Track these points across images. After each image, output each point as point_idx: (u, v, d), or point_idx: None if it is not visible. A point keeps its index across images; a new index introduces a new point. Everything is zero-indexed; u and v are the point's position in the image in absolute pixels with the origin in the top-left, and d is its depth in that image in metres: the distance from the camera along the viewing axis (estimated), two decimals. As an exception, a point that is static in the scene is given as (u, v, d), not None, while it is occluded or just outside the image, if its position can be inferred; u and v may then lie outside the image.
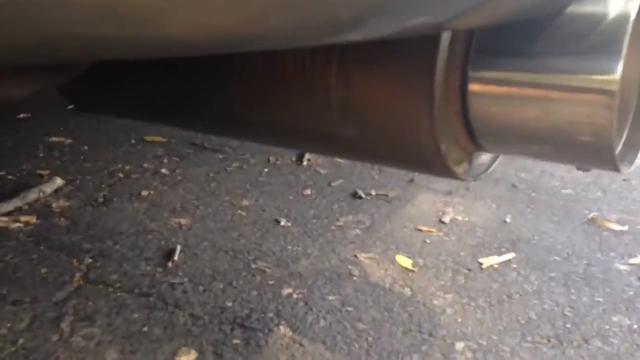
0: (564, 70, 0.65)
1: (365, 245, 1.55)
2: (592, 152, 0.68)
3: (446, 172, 0.80)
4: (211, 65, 0.83)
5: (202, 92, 0.88)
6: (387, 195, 1.85)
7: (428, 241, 1.59)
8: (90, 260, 1.40)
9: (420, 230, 1.64)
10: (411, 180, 1.97)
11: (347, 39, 0.45)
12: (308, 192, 1.86)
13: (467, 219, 1.73)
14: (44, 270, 1.34)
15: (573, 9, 0.66)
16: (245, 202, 1.76)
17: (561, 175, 2.10)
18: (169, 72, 0.89)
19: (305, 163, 2.07)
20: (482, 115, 0.73)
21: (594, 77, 0.64)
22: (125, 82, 0.98)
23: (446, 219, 1.71)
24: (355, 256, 1.49)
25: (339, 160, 2.07)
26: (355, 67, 0.73)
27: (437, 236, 1.62)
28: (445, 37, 0.69)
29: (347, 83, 0.74)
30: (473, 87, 0.71)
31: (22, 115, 2.16)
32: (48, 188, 1.66)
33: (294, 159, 2.09)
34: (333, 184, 1.92)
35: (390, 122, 0.74)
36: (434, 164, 0.78)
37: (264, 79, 0.79)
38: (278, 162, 2.06)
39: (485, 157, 0.90)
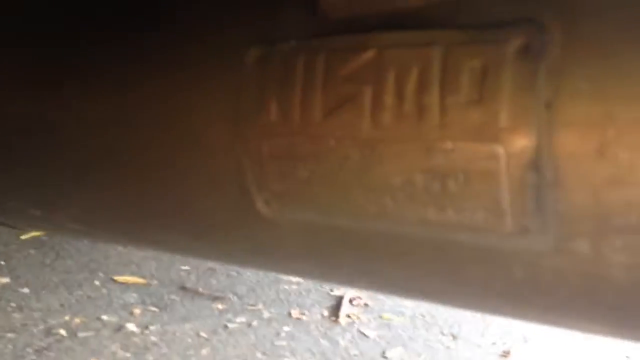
0: None
1: None
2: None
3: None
4: None
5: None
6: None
7: None
8: None
9: None
10: None
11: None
12: (353, 364, 1.20)
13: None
14: None
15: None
16: (253, 382, 1.10)
17: None
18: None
19: (343, 320, 1.42)
20: None
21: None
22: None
23: None
24: None
25: (390, 315, 1.43)
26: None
27: None
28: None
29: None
30: None
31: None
32: None
33: (326, 313, 1.45)
34: (388, 354, 1.26)
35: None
36: None
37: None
38: (304, 317, 1.43)
39: None
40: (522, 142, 0.39)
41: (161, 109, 0.55)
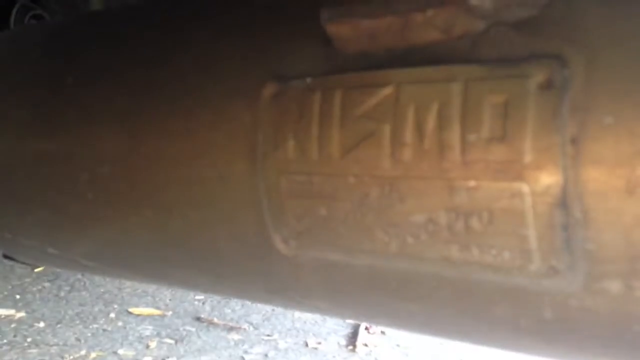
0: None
1: None
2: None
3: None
4: None
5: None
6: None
7: None
8: None
9: None
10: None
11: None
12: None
13: None
14: None
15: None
16: (271, 416, 1.07)
17: None
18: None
19: (360, 349, 1.39)
20: None
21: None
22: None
23: None
24: None
25: (407, 343, 1.40)
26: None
27: None
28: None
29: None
30: None
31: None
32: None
33: (342, 342, 1.42)
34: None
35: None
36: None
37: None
38: (320, 347, 1.39)
39: None
40: (547, 180, 0.38)
41: (181, 147, 0.54)
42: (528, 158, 0.38)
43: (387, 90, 0.44)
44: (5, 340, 1.30)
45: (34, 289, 1.58)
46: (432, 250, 0.44)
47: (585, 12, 0.39)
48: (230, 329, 1.46)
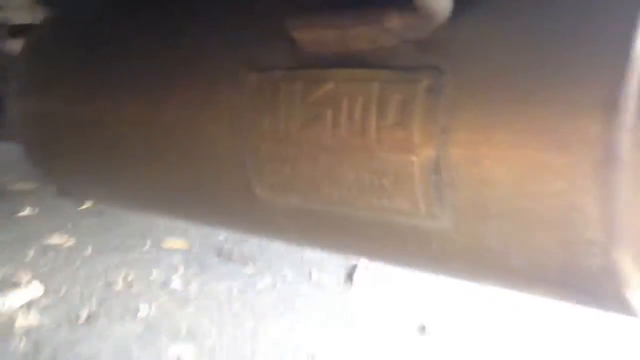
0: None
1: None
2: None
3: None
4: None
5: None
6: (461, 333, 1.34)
7: None
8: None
9: None
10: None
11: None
12: (357, 323, 1.38)
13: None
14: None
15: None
16: (273, 331, 1.30)
17: None
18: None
19: (356, 283, 1.60)
20: None
21: None
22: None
23: None
24: None
25: (398, 281, 1.59)
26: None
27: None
28: None
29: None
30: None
31: (22, 214, 1.84)
32: (18, 298, 1.27)
33: (342, 277, 1.63)
34: (394, 316, 1.43)
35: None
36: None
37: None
38: (323, 280, 1.60)
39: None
40: (428, 154, 0.55)
41: (187, 119, 0.73)
42: (416, 139, 0.55)
43: (330, 85, 0.61)
44: (58, 264, 1.56)
45: (83, 222, 1.82)
46: (360, 199, 0.62)
47: (458, 37, 0.55)
48: (246, 263, 1.69)
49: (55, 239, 1.68)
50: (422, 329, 1.36)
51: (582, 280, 0.53)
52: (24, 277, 1.41)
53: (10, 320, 1.21)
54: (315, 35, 0.62)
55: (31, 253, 1.58)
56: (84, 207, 1.90)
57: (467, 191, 0.54)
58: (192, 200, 0.78)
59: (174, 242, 1.76)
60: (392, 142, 0.57)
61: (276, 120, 0.65)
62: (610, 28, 0.48)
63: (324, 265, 1.68)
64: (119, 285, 1.47)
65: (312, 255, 1.72)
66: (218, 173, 0.72)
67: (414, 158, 0.56)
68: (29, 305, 1.29)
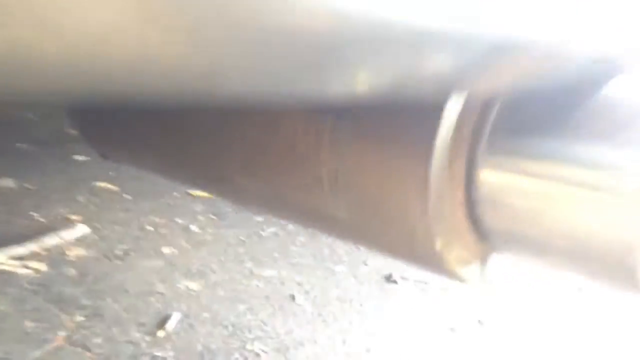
0: (597, 165, 0.56)
1: (382, 341, 1.32)
2: (624, 269, 0.56)
3: (446, 272, 0.69)
4: (211, 127, 0.85)
5: (200, 151, 0.90)
6: (425, 283, 1.61)
7: (463, 346, 1.33)
8: (81, 319, 1.31)
9: (455, 332, 1.38)
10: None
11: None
12: (339, 268, 1.67)
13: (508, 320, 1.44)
14: (30, 324, 1.27)
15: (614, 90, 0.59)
16: (266, 272, 1.61)
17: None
18: (173, 129, 0.92)
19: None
20: (492, 209, 0.64)
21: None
22: (135, 134, 1.02)
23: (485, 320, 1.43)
24: (368, 350, 1.27)
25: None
26: (347, 141, 0.69)
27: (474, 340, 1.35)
28: (452, 110, 0.60)
29: (338, 159, 0.70)
30: (483, 174, 0.63)
31: (78, 157, 2.20)
32: (70, 235, 1.63)
33: (335, 229, 1.91)
34: (369, 263, 1.72)
35: (382, 207, 0.68)
36: (429, 261, 0.69)
37: (256, 147, 0.80)
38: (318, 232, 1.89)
39: (505, 259, 0.77)
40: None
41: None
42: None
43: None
44: (104, 206, 1.91)
45: (123, 169, 2.17)
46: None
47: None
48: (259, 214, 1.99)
49: (102, 184, 2.04)
50: (389, 278, 1.63)
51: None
52: (76, 217, 1.77)
53: (63, 252, 1.58)
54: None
55: (81, 196, 1.94)
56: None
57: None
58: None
59: (200, 192, 2.08)
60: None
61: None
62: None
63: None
64: (149, 227, 1.81)
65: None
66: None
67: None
68: (78, 241, 1.65)
